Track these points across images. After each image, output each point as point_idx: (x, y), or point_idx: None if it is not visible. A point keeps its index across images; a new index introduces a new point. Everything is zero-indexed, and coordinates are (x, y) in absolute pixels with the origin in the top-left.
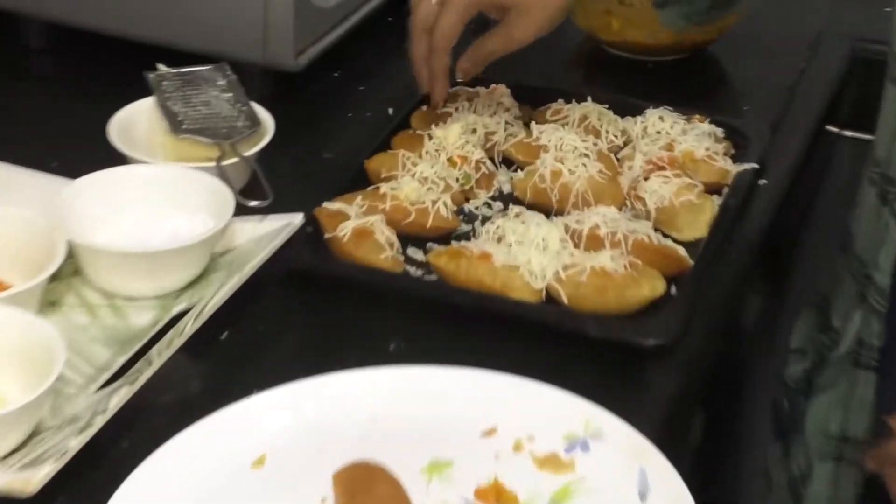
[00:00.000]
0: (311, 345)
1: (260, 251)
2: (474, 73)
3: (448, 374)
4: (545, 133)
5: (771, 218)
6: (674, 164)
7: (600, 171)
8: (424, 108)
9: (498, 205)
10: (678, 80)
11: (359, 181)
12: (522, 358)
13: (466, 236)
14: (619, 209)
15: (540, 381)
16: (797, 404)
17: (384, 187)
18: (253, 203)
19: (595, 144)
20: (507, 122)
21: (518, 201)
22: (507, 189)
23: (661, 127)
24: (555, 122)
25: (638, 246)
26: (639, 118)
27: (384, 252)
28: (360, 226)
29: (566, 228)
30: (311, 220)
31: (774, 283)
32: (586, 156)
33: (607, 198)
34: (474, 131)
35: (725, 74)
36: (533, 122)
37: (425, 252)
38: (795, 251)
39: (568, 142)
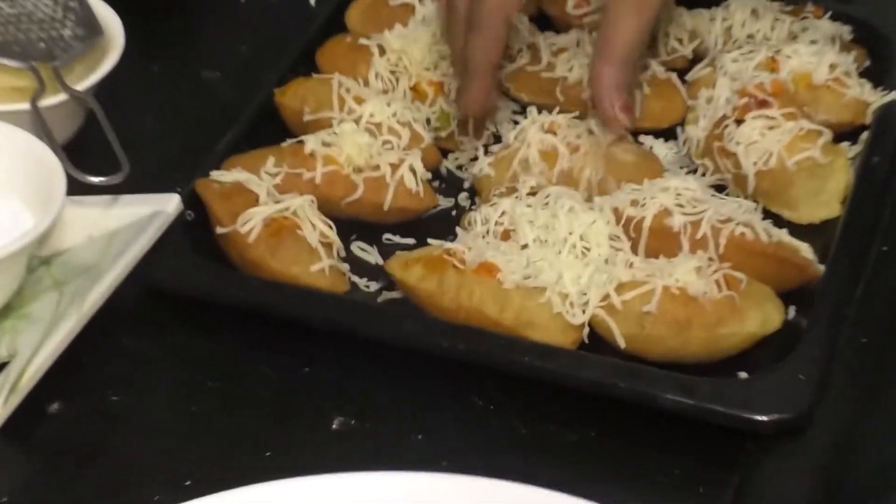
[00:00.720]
0: (199, 423)
1: (111, 262)
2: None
3: (428, 484)
4: (563, 49)
5: None
6: (780, 94)
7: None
8: None
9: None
10: None
11: (267, 128)
12: (549, 447)
13: (450, 220)
14: (693, 171)
15: (576, 493)
16: None
17: (310, 141)
18: (95, 179)
19: (644, 65)
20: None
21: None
22: (505, 131)
23: (754, 27)
24: (581, 17)
25: (736, 245)
26: (718, 11)
27: (317, 259)
28: (274, 215)
29: (617, 216)
30: (193, 202)
31: None
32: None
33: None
34: None
35: None
36: (540, 38)
37: (383, 252)
38: None
39: None
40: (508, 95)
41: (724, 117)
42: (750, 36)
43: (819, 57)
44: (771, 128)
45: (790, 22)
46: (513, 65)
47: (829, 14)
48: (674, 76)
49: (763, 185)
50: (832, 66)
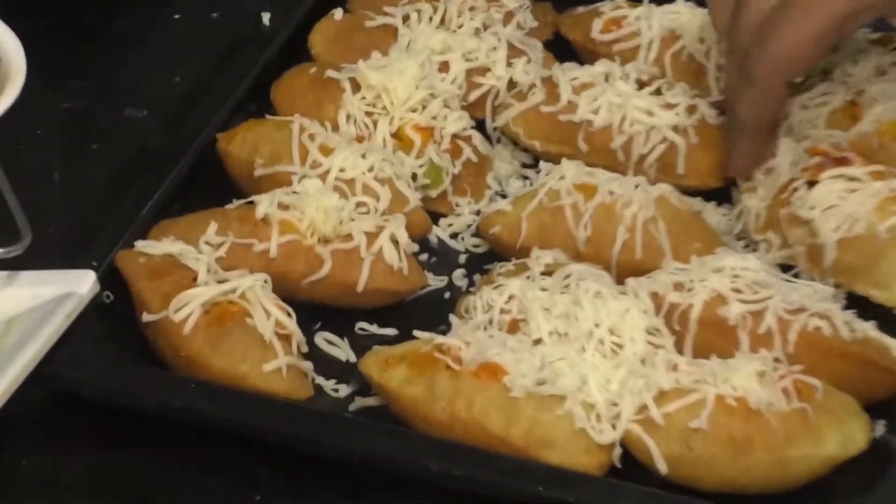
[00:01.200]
0: None
1: (7, 357)
2: None
3: None
4: (587, 85)
5: None
6: (862, 149)
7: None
8: (338, 14)
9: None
10: None
11: (207, 184)
12: None
13: (442, 305)
14: (753, 249)
15: None
16: None
17: (263, 203)
18: None
19: (692, 107)
20: (512, 46)
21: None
22: (514, 190)
23: (831, 61)
24: (610, 44)
25: (810, 343)
26: None
27: (271, 356)
28: (217, 299)
29: (657, 303)
30: (112, 280)
31: None
32: (676, 129)
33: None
34: (443, 67)
35: None
36: (558, 70)
37: (356, 346)
38: None
39: (636, 106)
40: (516, 142)
41: (792, 180)
42: (826, 72)
43: None
44: (853, 190)
45: (878, 54)
46: (523, 103)
47: None
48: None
49: (846, 257)
50: None
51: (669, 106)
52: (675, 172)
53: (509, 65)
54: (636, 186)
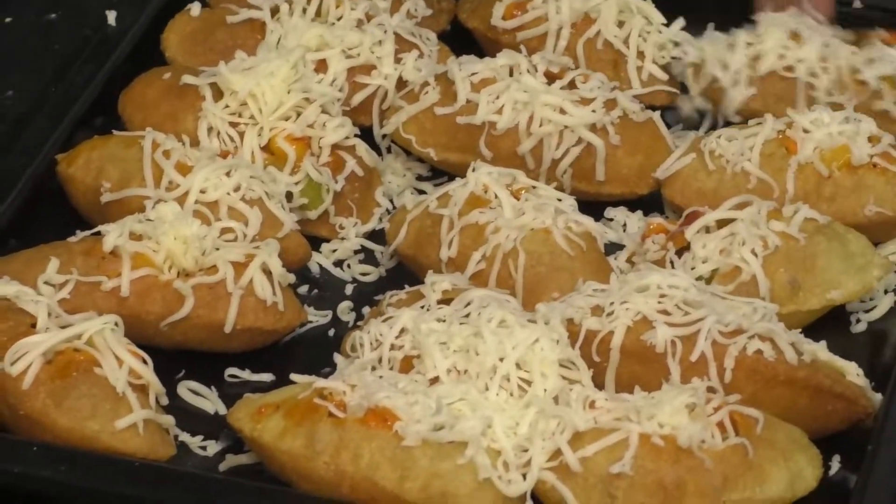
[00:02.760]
0: None
1: None
2: None
3: None
4: (488, 80)
5: None
6: (807, 180)
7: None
8: (195, 9)
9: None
10: None
11: (45, 213)
12: None
13: (325, 344)
14: (679, 254)
15: None
16: None
17: (112, 233)
18: None
19: (610, 101)
20: (401, 38)
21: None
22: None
23: (795, 56)
24: (513, 32)
25: (750, 369)
26: (740, 35)
27: (125, 410)
28: (60, 347)
29: (571, 332)
30: None
31: None
32: (593, 129)
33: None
34: (320, 66)
35: None
36: (454, 65)
37: (225, 395)
38: None
39: (546, 103)
40: (408, 150)
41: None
42: (788, 68)
43: (852, 126)
44: (729, 225)
45: (850, 51)
46: (415, 105)
47: None
48: (655, 116)
49: (779, 276)
50: (872, 140)
51: (585, 101)
52: (593, 179)
53: (398, 61)
54: (556, 211)
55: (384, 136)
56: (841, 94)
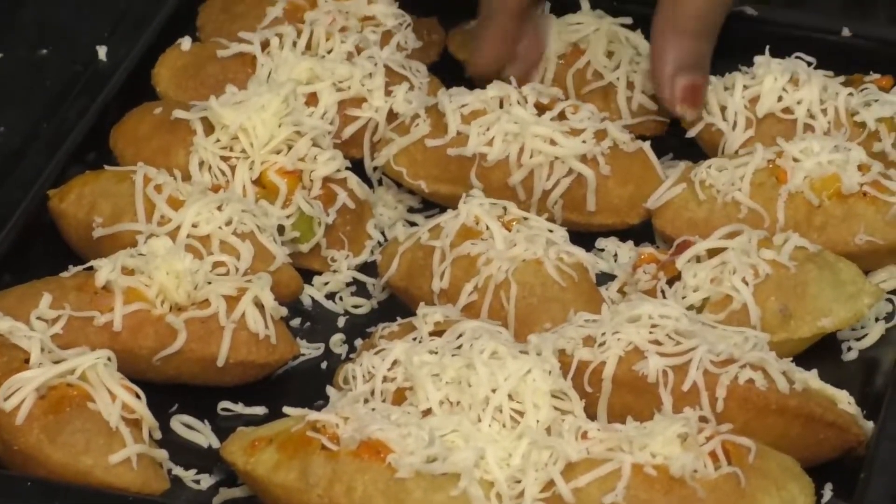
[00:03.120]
0: None
1: None
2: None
3: None
4: (479, 112)
5: None
6: (797, 210)
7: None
8: (186, 43)
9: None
10: None
11: (38, 248)
12: None
13: (317, 376)
14: (670, 283)
15: None
16: None
17: (104, 268)
18: None
19: (601, 132)
20: (391, 71)
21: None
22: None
23: (793, 99)
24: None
25: (742, 399)
26: (737, 78)
27: (118, 445)
28: (53, 382)
29: (563, 362)
30: None
31: None
32: (584, 159)
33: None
34: (311, 100)
35: None
36: (445, 97)
37: (219, 429)
38: None
39: (536, 134)
40: (399, 183)
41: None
42: (786, 110)
43: (842, 154)
44: (719, 254)
45: (847, 93)
46: (406, 137)
47: None
48: (645, 146)
49: (769, 305)
50: (862, 168)
51: (575, 132)
52: (584, 210)
53: (388, 93)
54: (547, 242)
55: (375, 168)
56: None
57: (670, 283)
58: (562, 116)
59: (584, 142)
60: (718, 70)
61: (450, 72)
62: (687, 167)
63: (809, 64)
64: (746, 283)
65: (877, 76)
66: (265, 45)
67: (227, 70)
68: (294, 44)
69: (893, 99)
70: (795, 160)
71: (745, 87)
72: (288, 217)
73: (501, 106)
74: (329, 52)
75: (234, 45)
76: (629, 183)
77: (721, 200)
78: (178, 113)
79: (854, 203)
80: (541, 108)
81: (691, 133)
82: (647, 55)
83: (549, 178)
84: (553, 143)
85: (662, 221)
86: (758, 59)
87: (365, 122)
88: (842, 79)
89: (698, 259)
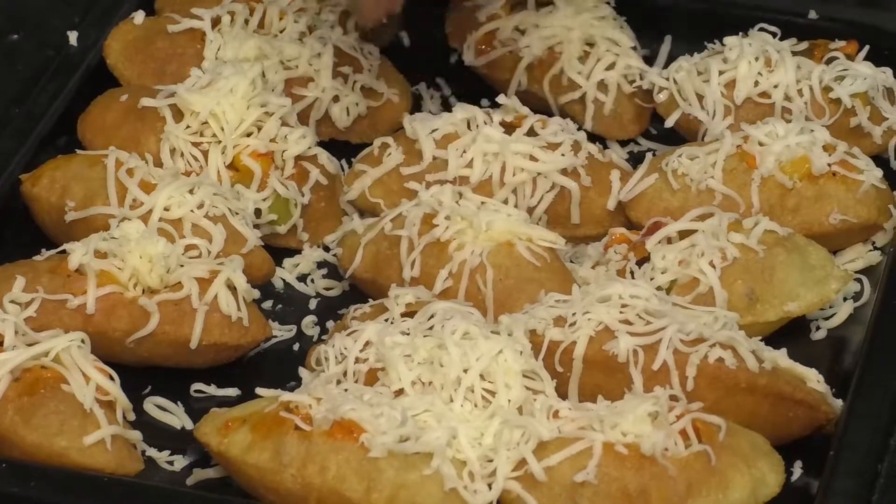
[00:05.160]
0: None
1: None
2: None
3: None
4: (452, 136)
5: None
6: (770, 193)
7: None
8: (139, 17)
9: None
10: None
11: (10, 232)
12: None
13: (290, 358)
14: (639, 264)
15: None
16: None
17: (77, 251)
18: None
19: (576, 143)
20: (342, 52)
21: None
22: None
23: (770, 82)
24: (485, 60)
25: (712, 377)
26: (712, 62)
27: (92, 427)
28: (27, 365)
29: (534, 342)
30: None
31: None
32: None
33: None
34: (284, 75)
35: None
36: (406, 117)
37: (192, 410)
38: None
39: (517, 151)
40: (375, 214)
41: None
42: (764, 94)
43: (808, 136)
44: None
45: (820, 70)
46: (378, 168)
47: (866, 50)
48: (614, 156)
49: (737, 287)
50: (827, 149)
51: (552, 146)
52: (568, 223)
53: (337, 74)
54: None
55: (348, 202)
56: (816, 114)
57: (639, 263)
58: (531, 132)
59: (563, 155)
60: (686, 50)
61: (408, 54)
62: (655, 158)
63: (774, 35)
64: (713, 267)
65: (842, 43)
66: (216, 21)
67: (176, 45)
68: (246, 22)
69: (863, 70)
70: (761, 144)
71: (720, 73)
72: (264, 200)
73: (469, 128)
74: (282, 31)
75: (185, 20)
76: (608, 192)
77: (695, 189)
78: (146, 101)
79: (825, 183)
80: (508, 126)
81: (669, 122)
82: (627, 48)
83: (534, 195)
84: (534, 159)
85: (637, 213)
86: (728, 40)
87: (311, 101)
88: (806, 44)
89: (669, 241)
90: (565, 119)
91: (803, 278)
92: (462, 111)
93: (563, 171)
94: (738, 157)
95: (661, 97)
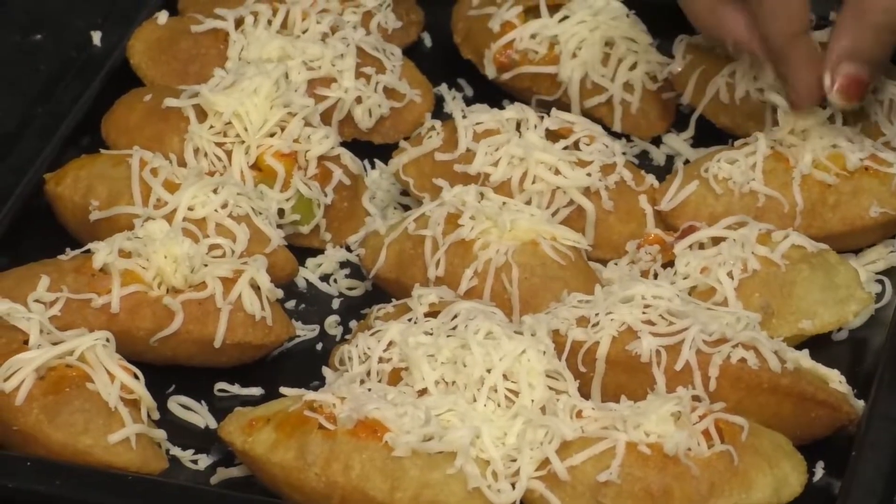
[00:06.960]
0: None
1: None
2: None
3: None
4: (493, 132)
5: None
6: (811, 190)
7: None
8: (162, 17)
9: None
10: None
11: (35, 232)
12: None
13: (313, 357)
14: (665, 267)
15: None
16: None
17: (101, 251)
18: None
19: (608, 166)
20: (364, 53)
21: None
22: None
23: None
24: (512, 86)
25: (734, 377)
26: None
27: (117, 425)
28: (53, 363)
29: (558, 343)
30: None
31: None
32: (587, 192)
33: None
34: (307, 75)
35: None
36: (460, 112)
37: (216, 410)
38: None
39: (540, 161)
40: (408, 191)
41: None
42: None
43: (837, 135)
44: (716, 244)
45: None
46: (418, 148)
47: None
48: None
49: (753, 301)
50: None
51: (582, 163)
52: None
53: (360, 75)
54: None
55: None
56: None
57: (665, 266)
58: (576, 145)
59: (588, 174)
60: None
61: (428, 53)
62: (690, 165)
63: None
64: (731, 277)
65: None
66: (239, 22)
67: (200, 45)
68: (269, 22)
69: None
70: (792, 145)
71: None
72: (287, 200)
73: (518, 128)
74: (304, 31)
75: (208, 20)
76: (632, 221)
77: (738, 192)
78: (170, 101)
79: (860, 178)
80: (554, 136)
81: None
82: (645, 45)
83: (549, 207)
84: (557, 172)
85: (682, 221)
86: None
87: (334, 101)
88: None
89: (702, 246)
90: (609, 135)
91: (823, 297)
92: (513, 110)
93: (586, 191)
94: (773, 158)
95: (676, 68)
